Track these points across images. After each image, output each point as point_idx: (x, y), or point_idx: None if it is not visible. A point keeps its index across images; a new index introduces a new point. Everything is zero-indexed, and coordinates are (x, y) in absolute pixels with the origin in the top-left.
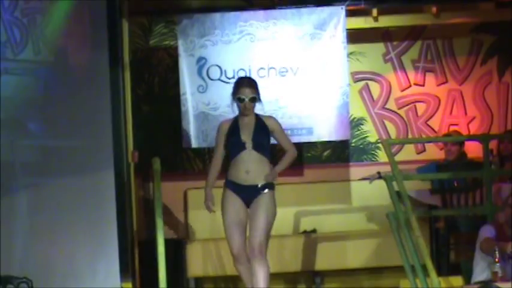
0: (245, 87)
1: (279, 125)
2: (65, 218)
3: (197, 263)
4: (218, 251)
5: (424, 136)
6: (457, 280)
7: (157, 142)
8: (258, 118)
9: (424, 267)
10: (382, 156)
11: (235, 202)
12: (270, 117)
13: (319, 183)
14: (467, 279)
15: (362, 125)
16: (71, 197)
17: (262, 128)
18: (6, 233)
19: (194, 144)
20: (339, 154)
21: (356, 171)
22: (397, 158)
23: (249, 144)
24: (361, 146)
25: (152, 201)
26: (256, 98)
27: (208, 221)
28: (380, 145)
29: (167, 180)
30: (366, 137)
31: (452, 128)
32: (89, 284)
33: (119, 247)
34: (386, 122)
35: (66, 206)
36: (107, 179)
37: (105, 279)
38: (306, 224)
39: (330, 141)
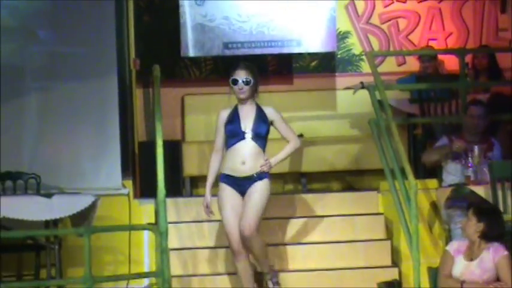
0: (240, 70)
1: (280, 114)
2: (71, 120)
3: (192, 163)
4: (211, 152)
5: (404, 49)
6: (433, 183)
7: (157, 51)
8: (258, 107)
9: (403, 171)
10: (365, 67)
11: (232, 197)
12: (269, 107)
13: (306, 91)
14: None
15: (347, 38)
16: (77, 101)
17: (262, 118)
18: (17, 132)
19: (191, 53)
20: (325, 65)
21: (341, 81)
22: (380, 69)
23: (248, 133)
24: (347, 57)
25: (152, 105)
26: (251, 82)
27: (203, 124)
28: (364, 57)
29: (166, 86)
30: (351, 49)
31: (430, 43)
32: (93, 181)
33: (121, 148)
34: (370, 36)
35: (72, 109)
36: (111, 85)
37: (108, 177)
38: (294, 129)
39: (317, 53)
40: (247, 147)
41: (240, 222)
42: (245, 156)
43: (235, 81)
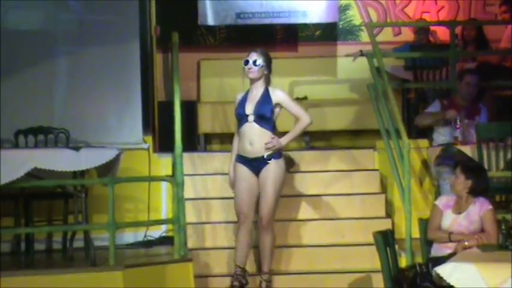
0: (253, 52)
1: (286, 96)
2: (97, 81)
3: (207, 122)
4: (224, 112)
5: (400, 21)
6: (424, 142)
7: (176, 19)
8: (266, 91)
9: (397, 131)
10: (364, 37)
11: (244, 171)
12: (277, 89)
13: (310, 58)
14: (431, 142)
15: (348, 10)
16: (103, 64)
17: (267, 101)
18: (48, 91)
19: (207, 22)
20: (328, 34)
21: (342, 49)
22: (377, 39)
23: (251, 116)
24: (347, 28)
25: (171, 69)
26: (260, 63)
27: (217, 86)
28: (363, 28)
29: (183, 52)
30: (351, 20)
31: (424, 15)
32: (117, 136)
33: (142, 107)
34: (369, 9)
35: (99, 71)
36: (133, 49)
37: (130, 133)
38: (299, 92)
39: (320, 23)
40: (251, 129)
41: (259, 212)
42: (251, 137)
43: (246, 62)
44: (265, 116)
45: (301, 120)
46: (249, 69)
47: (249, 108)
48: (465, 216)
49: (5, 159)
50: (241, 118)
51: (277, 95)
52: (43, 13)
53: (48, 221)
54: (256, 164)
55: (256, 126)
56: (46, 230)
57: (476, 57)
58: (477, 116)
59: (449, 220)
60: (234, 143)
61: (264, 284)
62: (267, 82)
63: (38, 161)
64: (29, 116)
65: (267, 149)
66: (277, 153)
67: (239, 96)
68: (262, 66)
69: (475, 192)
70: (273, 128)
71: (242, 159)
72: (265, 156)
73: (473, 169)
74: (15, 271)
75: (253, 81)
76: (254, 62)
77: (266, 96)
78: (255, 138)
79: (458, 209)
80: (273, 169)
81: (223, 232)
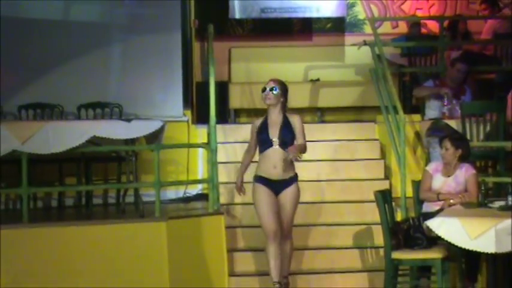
0: (270, 81)
1: (301, 123)
2: (145, 64)
3: (236, 99)
4: (250, 91)
5: (397, 16)
6: (417, 117)
7: (211, 13)
8: (285, 116)
9: (394, 107)
10: (367, 29)
11: (265, 193)
12: (295, 115)
13: (322, 46)
14: (423, 116)
15: (354, 6)
16: (150, 50)
17: (288, 126)
18: (105, 73)
19: (236, 15)
20: (337, 26)
21: (349, 39)
22: (378, 31)
23: (275, 141)
24: (353, 21)
25: (206, 55)
26: (277, 90)
27: (244, 70)
28: (366, 21)
29: (217, 40)
30: (357, 15)
31: (417, 12)
32: (161, 110)
33: (183, 86)
34: (372, 5)
35: (147, 56)
36: (176, 38)
37: (172, 108)
38: (312, 75)
39: (331, 17)
40: (276, 153)
41: (282, 226)
42: (275, 161)
43: (264, 89)
44: (289, 141)
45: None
46: (267, 95)
47: (273, 134)
48: (453, 178)
49: (69, 128)
50: (265, 143)
51: (295, 120)
52: (101, 7)
53: (104, 180)
54: (278, 185)
55: (280, 150)
56: (102, 187)
57: (461, 46)
58: (462, 96)
59: (440, 182)
60: (245, 159)
61: (277, 285)
62: (284, 109)
63: (96, 131)
64: (89, 93)
65: (292, 157)
66: (296, 176)
67: (258, 122)
68: (278, 93)
69: (462, 158)
70: None
71: (264, 180)
72: (288, 179)
73: (461, 140)
74: (77, 221)
75: (270, 107)
76: (271, 89)
77: (287, 123)
78: (278, 161)
79: (447, 173)
80: (294, 190)
81: (250, 190)
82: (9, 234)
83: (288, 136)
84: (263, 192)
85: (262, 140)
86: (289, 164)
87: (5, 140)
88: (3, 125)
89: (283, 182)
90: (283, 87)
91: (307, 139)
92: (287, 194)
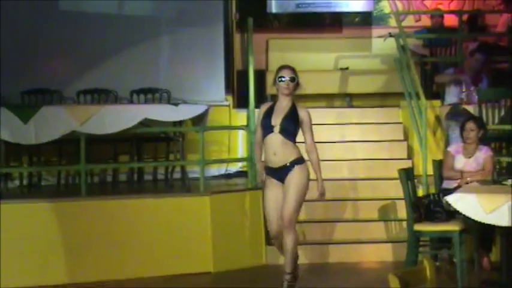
0: (286, 69)
1: (310, 118)
2: (191, 54)
3: (272, 86)
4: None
5: (420, 10)
6: (437, 102)
7: (250, 7)
8: (294, 106)
9: (417, 94)
10: (392, 22)
11: (272, 187)
12: (305, 109)
13: (351, 38)
14: (443, 102)
15: (381, 1)
16: (195, 41)
17: (293, 117)
18: (155, 61)
19: (274, 10)
20: (364, 20)
21: (375, 31)
22: (402, 24)
23: (276, 128)
24: (380, 15)
25: (246, 45)
26: (295, 79)
27: (280, 59)
28: (391, 15)
29: (256, 32)
30: (383, 9)
31: (438, 6)
32: (205, 96)
33: (225, 73)
34: (396, 0)
35: (192, 46)
36: (219, 30)
37: (215, 93)
38: (342, 64)
39: (359, 12)
40: (275, 139)
41: (281, 213)
42: (275, 148)
43: (281, 79)
44: (290, 130)
45: (314, 155)
46: (287, 85)
47: (276, 120)
48: (474, 159)
49: (122, 112)
50: (267, 128)
51: (304, 114)
52: (152, 3)
53: (154, 158)
54: (281, 173)
55: (280, 137)
56: (152, 165)
57: (477, 38)
58: (479, 83)
59: (462, 163)
60: (257, 151)
61: (285, 284)
62: (293, 96)
63: (147, 114)
64: (141, 79)
65: (294, 160)
66: (300, 159)
67: (264, 107)
68: (296, 82)
69: (481, 139)
70: (294, 138)
71: (269, 170)
72: (288, 164)
73: (482, 121)
74: (129, 195)
75: (283, 95)
76: (291, 79)
77: (293, 113)
78: (279, 148)
79: (468, 154)
80: (297, 173)
81: None
82: (69, 206)
83: (290, 126)
84: (269, 186)
85: (264, 125)
86: (290, 149)
87: (66, 121)
88: (64, 108)
89: (284, 168)
90: (297, 74)
91: (337, 122)
92: (290, 176)
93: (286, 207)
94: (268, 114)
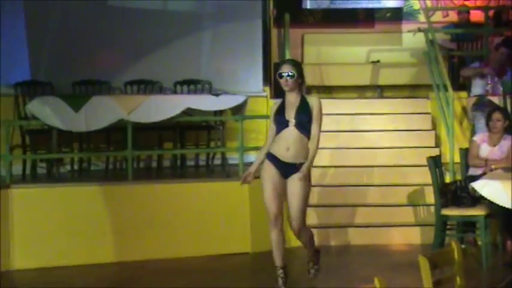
0: (286, 65)
1: (320, 106)
2: (231, 47)
3: (309, 76)
4: (320, 70)
5: (447, 6)
6: (464, 94)
7: (287, 4)
8: (303, 98)
9: (444, 85)
10: (421, 18)
11: (272, 173)
12: (315, 97)
13: (383, 32)
14: (469, 93)
15: None
16: (235, 35)
17: (305, 107)
18: (197, 54)
19: (309, 6)
20: (395, 15)
21: (405, 26)
22: (431, 19)
23: (291, 122)
24: (409, 11)
25: (283, 40)
26: (294, 75)
27: (315, 52)
28: (421, 11)
29: (292, 27)
30: (412, 6)
31: (465, 2)
32: (244, 87)
33: (262, 66)
34: None
35: (232, 40)
36: (257, 26)
37: (254, 84)
38: (373, 57)
39: (390, 7)
40: (290, 134)
41: (290, 217)
42: (289, 143)
43: (280, 75)
44: (305, 122)
45: (314, 143)
46: (285, 82)
47: (290, 115)
48: (498, 148)
49: (167, 101)
50: (281, 123)
51: (313, 101)
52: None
53: (196, 145)
54: (287, 169)
55: (296, 131)
56: (194, 151)
57: (503, 33)
58: (504, 76)
59: (486, 151)
60: (265, 146)
61: (312, 272)
62: (302, 90)
63: (190, 103)
64: (184, 71)
65: (300, 178)
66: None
67: (275, 106)
68: (295, 76)
69: (506, 129)
70: (309, 133)
71: (274, 159)
72: (297, 164)
73: (507, 112)
74: (173, 180)
75: (286, 90)
76: (289, 75)
77: (305, 104)
78: (293, 144)
79: (493, 143)
80: (302, 181)
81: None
82: (116, 190)
83: (304, 118)
84: (270, 171)
85: (278, 121)
86: (303, 148)
87: (114, 110)
88: (112, 98)
89: (293, 166)
90: (299, 68)
91: (369, 112)
92: (296, 182)
93: (295, 218)
94: (281, 111)
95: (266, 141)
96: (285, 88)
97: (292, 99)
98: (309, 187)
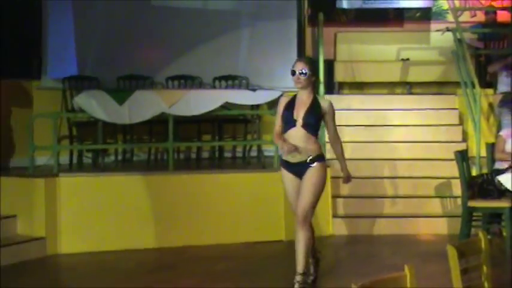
0: (299, 62)
1: (333, 109)
2: (268, 45)
3: (340, 73)
4: (352, 67)
5: (475, 6)
6: (490, 91)
7: (321, 3)
8: (315, 98)
9: (472, 83)
10: (449, 17)
11: (288, 179)
12: (327, 100)
13: (412, 31)
14: (496, 90)
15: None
16: (272, 33)
17: (316, 109)
18: (235, 51)
19: (342, 5)
20: (424, 15)
21: (434, 25)
22: (459, 19)
23: (299, 122)
24: (438, 11)
25: (317, 38)
26: (307, 73)
27: (347, 50)
28: (449, 11)
29: (325, 26)
30: (441, 6)
31: (492, 3)
32: (279, 82)
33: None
34: None
35: (269, 38)
36: (292, 24)
37: (289, 80)
38: (403, 55)
39: (419, 7)
40: (297, 134)
41: (296, 208)
42: (297, 142)
43: (293, 72)
44: (313, 124)
45: (338, 144)
46: (298, 79)
47: (299, 114)
48: None
49: (206, 96)
50: (289, 122)
51: (326, 105)
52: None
53: (233, 138)
54: (299, 168)
55: (303, 131)
56: (232, 144)
57: None
58: None
59: None
60: (277, 137)
61: (296, 286)
62: (314, 88)
63: (228, 98)
64: (223, 67)
65: (314, 157)
66: (320, 156)
67: (285, 100)
68: (309, 74)
69: None
70: (317, 133)
71: (286, 164)
72: (308, 160)
73: None
74: (211, 170)
75: (299, 88)
76: (301, 72)
77: (316, 105)
78: (301, 143)
79: None
80: (316, 171)
81: (350, 148)
82: (158, 179)
83: (312, 119)
84: (286, 178)
85: (285, 119)
86: (312, 145)
87: (156, 104)
88: (155, 92)
89: (304, 164)
90: (312, 66)
91: (398, 108)
92: (307, 176)
93: (302, 203)
94: (289, 107)
95: (275, 133)
96: (297, 86)
97: (304, 97)
98: (323, 184)
